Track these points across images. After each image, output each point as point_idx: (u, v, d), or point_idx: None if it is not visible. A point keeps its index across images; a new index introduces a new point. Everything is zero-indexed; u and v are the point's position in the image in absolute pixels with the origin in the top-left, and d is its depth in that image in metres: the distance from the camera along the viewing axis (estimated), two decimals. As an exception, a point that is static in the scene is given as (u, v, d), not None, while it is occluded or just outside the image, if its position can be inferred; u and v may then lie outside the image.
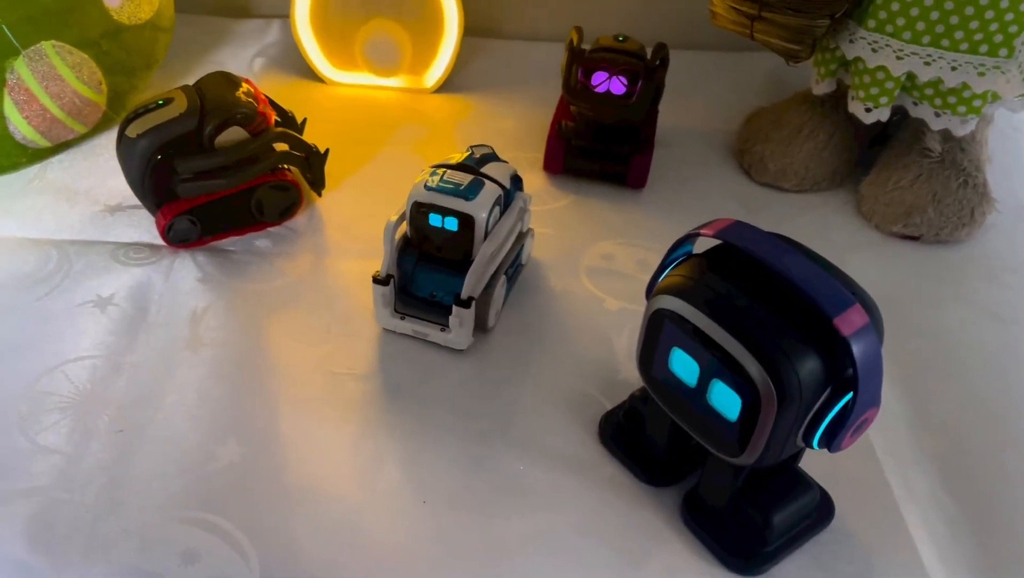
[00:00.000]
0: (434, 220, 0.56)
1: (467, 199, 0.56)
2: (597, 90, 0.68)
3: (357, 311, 0.60)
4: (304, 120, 0.68)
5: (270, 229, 0.66)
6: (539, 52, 0.89)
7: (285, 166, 0.65)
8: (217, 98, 0.61)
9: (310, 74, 0.82)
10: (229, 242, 0.64)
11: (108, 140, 0.72)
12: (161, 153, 0.60)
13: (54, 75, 0.62)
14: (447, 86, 0.82)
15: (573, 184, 0.73)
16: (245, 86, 0.64)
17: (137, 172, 0.61)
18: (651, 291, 0.47)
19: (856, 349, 0.39)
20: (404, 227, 0.57)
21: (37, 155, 0.66)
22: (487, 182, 0.57)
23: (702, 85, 0.85)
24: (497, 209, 0.57)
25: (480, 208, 0.55)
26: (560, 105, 0.75)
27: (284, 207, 0.66)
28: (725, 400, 0.42)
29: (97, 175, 0.69)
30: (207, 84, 0.63)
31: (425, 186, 0.56)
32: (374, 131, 0.77)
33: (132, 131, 0.60)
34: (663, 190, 0.72)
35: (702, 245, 0.45)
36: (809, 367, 0.39)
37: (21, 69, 0.61)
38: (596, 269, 0.65)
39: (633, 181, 0.71)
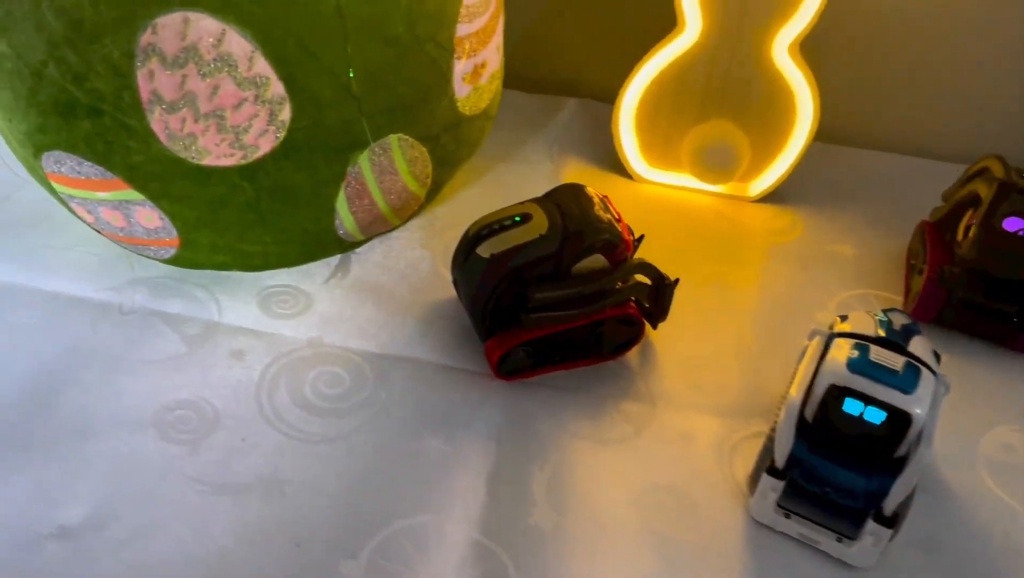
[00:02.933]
0: (851, 407, 0.46)
1: (904, 391, 0.45)
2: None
3: (710, 486, 0.50)
4: (641, 237, 0.59)
5: (601, 364, 0.57)
6: (885, 164, 0.77)
7: (632, 297, 0.56)
8: (580, 219, 0.53)
9: (616, 166, 0.73)
10: (556, 377, 0.56)
11: (408, 233, 0.65)
12: (514, 278, 0.52)
13: (391, 169, 0.56)
14: (772, 196, 0.72)
15: (944, 339, 0.61)
16: (604, 203, 0.56)
17: (482, 295, 0.53)
18: None
19: None
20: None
21: (345, 245, 0.60)
22: (923, 369, 0.46)
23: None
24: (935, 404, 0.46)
25: (920, 403, 0.45)
26: (930, 239, 0.63)
27: (622, 341, 0.57)
28: None
29: (400, 272, 0.62)
30: (565, 199, 0.54)
31: (849, 366, 0.46)
32: (685, 242, 0.68)
33: (485, 250, 0.52)
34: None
35: None
36: None
37: (364, 163, 0.54)
38: (996, 464, 0.53)
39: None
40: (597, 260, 0.54)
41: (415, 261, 0.63)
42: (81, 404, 0.52)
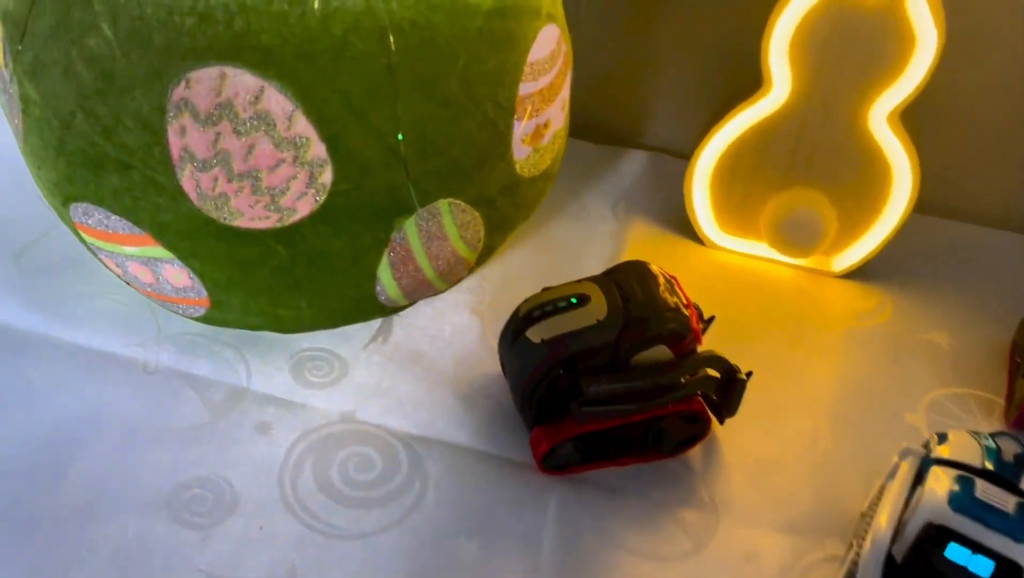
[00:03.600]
0: (955, 554, 0.39)
1: (1017, 539, 0.39)
2: None
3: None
4: (711, 319, 0.54)
5: (659, 462, 0.52)
6: (988, 241, 0.69)
7: (699, 391, 0.51)
8: (644, 305, 0.47)
9: (686, 229, 0.67)
10: (608, 475, 0.50)
11: (456, 295, 0.60)
12: (566, 366, 0.47)
13: (440, 234, 0.51)
14: (859, 271, 0.66)
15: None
16: (671, 286, 0.50)
17: (530, 383, 0.48)
18: None
19: None
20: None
21: (387, 310, 0.56)
22: (1041, 513, 0.40)
23: None
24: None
25: (1037, 558, 0.38)
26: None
27: (684, 438, 0.51)
28: None
29: (445, 340, 0.57)
30: (626, 280, 0.49)
31: (951, 503, 0.40)
32: (758, 320, 0.61)
33: (536, 334, 0.47)
34: None
35: None
36: None
37: (410, 228, 0.50)
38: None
39: None
40: (661, 351, 0.48)
41: (462, 328, 0.59)
42: (93, 477, 0.48)
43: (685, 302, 0.50)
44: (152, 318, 0.57)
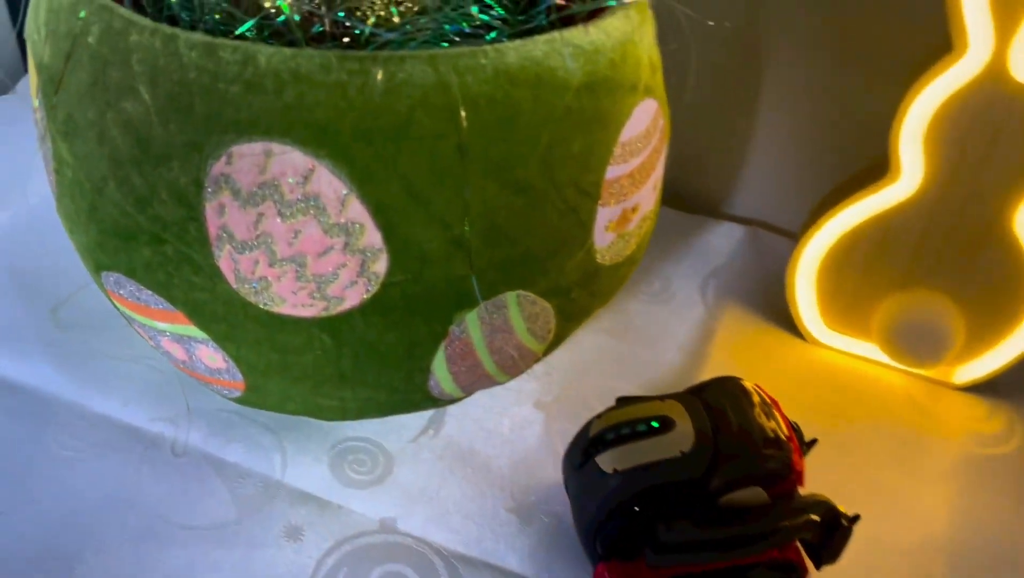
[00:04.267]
0: None
1: None
2: None
3: None
4: (813, 442, 0.46)
5: (742, 612, 0.45)
6: None
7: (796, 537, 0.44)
8: (738, 438, 0.40)
9: (786, 320, 0.60)
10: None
11: (519, 384, 0.54)
12: (641, 503, 0.41)
13: (505, 327, 0.45)
14: (984, 385, 0.57)
15: None
16: (770, 411, 0.43)
17: (597, 516, 0.41)
18: None
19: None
20: None
21: (441, 402, 0.50)
22: None
23: None
24: None
25: None
26: None
27: (773, 588, 0.44)
28: None
29: (503, 436, 0.51)
30: (719, 401, 0.42)
31: None
32: (861, 436, 0.53)
33: (607, 462, 0.41)
34: None
35: None
36: None
37: (471, 321, 0.44)
38: None
39: None
40: (754, 493, 0.41)
41: (522, 423, 0.52)
42: (103, 575, 0.43)
43: (786, 433, 0.42)
44: (186, 389, 0.52)
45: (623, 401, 0.44)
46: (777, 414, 0.43)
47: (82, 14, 0.38)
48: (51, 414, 0.50)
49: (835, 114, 0.61)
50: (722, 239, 0.67)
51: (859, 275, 0.56)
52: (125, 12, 0.37)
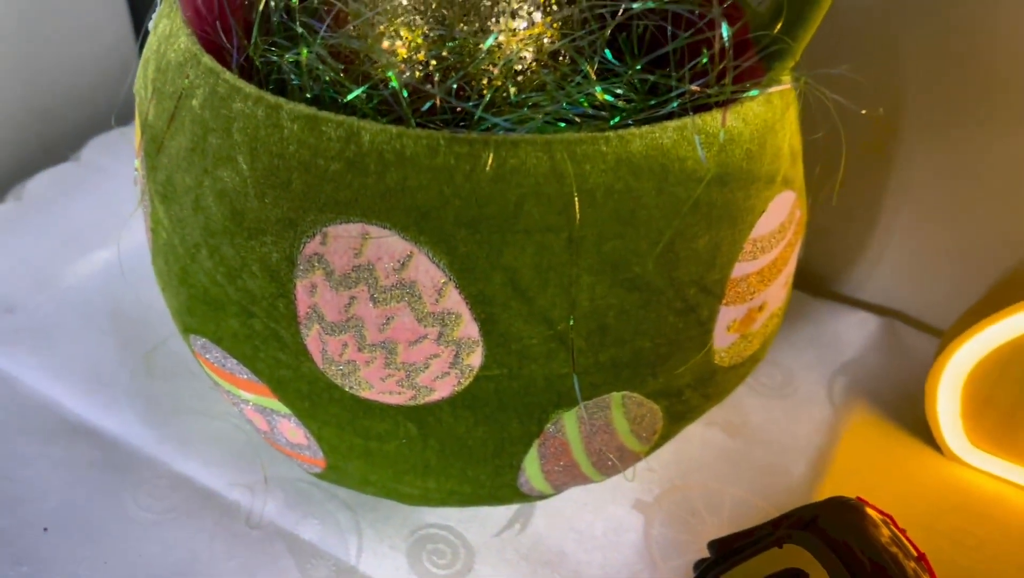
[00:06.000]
0: None
1: None
2: None
3: None
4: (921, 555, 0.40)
5: None
6: None
7: None
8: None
9: (922, 430, 0.53)
10: None
11: (617, 481, 0.49)
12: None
13: (607, 429, 0.41)
14: None
15: None
16: (899, 540, 0.37)
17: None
18: None
19: None
20: None
21: (530, 498, 0.46)
22: None
23: None
24: None
25: None
26: None
27: None
28: None
29: (596, 540, 0.47)
30: (841, 535, 0.37)
31: None
32: (1006, 570, 0.47)
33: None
34: None
35: None
36: None
37: (569, 421, 0.41)
38: None
39: None
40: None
41: (618, 526, 0.48)
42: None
43: (924, 566, 0.37)
44: (267, 456, 0.50)
45: (719, 546, 0.39)
46: (907, 544, 0.37)
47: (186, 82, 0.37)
48: (132, 469, 0.49)
49: (996, 201, 0.54)
50: (854, 330, 0.60)
51: (1014, 391, 0.49)
52: (231, 77, 0.36)
